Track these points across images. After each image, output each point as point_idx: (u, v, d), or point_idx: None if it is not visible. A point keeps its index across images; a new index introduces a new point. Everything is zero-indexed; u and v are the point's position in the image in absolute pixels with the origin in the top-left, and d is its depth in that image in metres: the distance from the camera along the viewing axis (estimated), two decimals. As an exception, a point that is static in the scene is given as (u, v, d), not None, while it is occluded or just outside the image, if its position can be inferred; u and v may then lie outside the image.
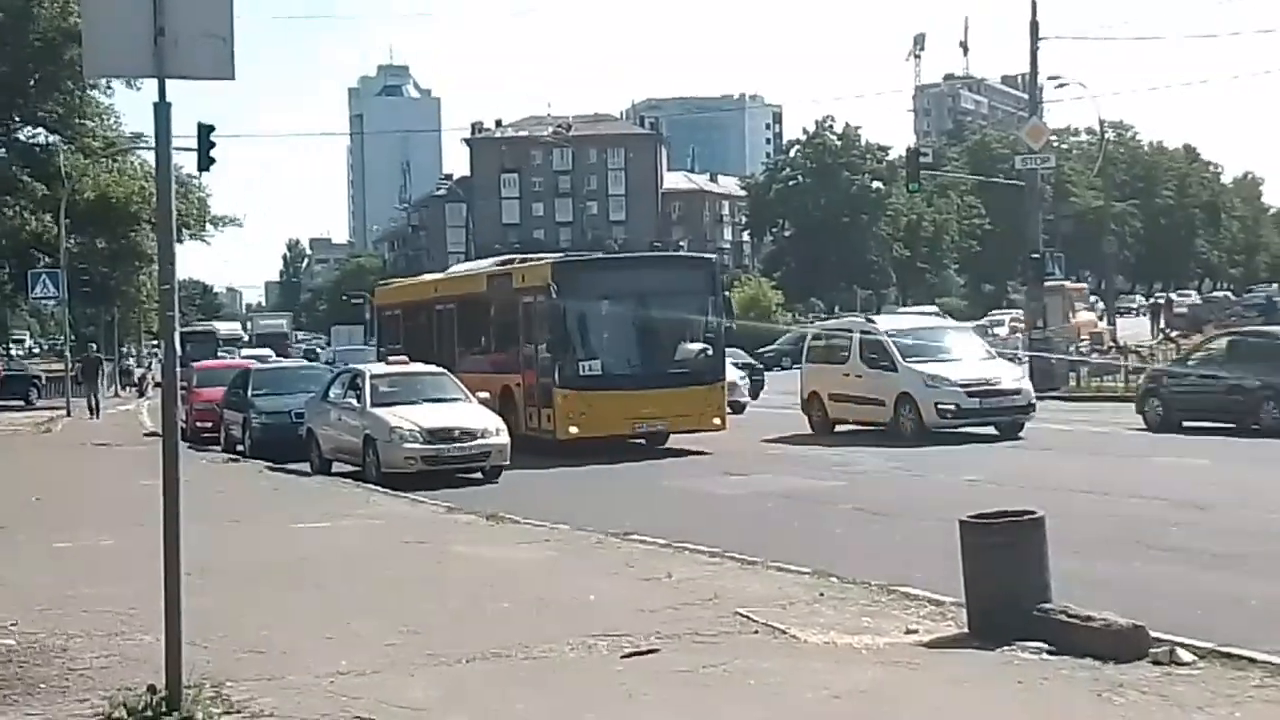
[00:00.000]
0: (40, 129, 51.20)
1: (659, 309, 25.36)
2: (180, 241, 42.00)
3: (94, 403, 42.56)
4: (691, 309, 25.62)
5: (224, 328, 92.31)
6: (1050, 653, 8.77)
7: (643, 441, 25.13)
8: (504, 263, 30.98)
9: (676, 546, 13.71)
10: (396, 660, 9.18)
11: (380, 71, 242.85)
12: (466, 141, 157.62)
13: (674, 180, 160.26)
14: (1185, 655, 8.53)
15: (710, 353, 25.49)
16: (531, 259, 30.14)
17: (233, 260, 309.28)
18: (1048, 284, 69.22)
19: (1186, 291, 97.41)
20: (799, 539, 14.58)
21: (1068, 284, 72.51)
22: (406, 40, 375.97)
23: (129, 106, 58.35)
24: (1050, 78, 50.91)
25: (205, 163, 32.32)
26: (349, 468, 22.96)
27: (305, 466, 23.95)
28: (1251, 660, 8.38)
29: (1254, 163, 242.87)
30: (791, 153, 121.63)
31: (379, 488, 20.30)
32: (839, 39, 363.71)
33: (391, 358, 34.62)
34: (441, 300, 31.59)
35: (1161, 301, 67.84)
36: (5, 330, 54.00)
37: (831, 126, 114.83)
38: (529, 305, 25.96)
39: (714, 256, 28.77)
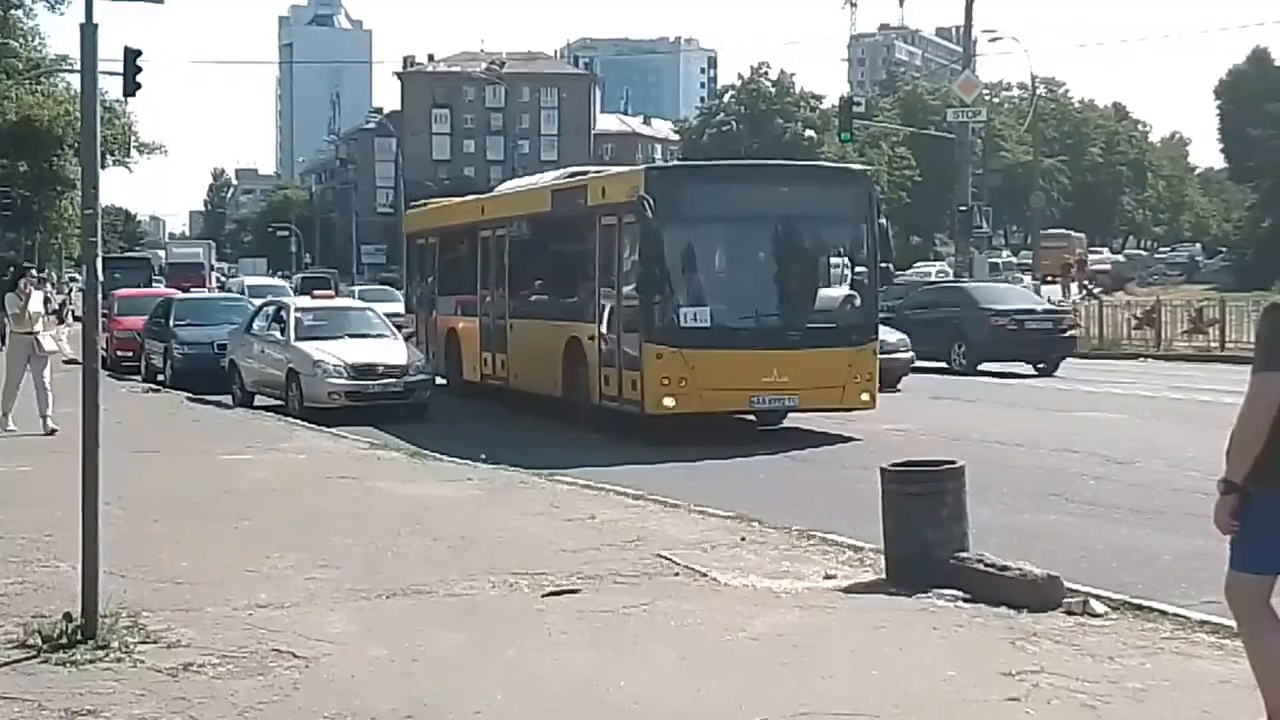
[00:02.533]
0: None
1: (793, 239, 19.06)
2: (104, 167, 41.28)
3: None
4: (837, 241, 19.54)
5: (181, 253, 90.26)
6: (966, 600, 8.90)
7: (752, 417, 19.30)
8: (575, 174, 23.69)
9: (600, 488, 13.77)
10: (316, 594, 9.17)
11: (311, 1, 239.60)
12: (398, 75, 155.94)
13: (607, 122, 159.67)
14: (1098, 606, 8.68)
15: (860, 302, 19.04)
16: (613, 170, 24.10)
17: (157, 188, 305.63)
18: (1052, 231, 73.15)
19: (1098, 249, 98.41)
20: (723, 484, 14.65)
21: (1073, 233, 76.50)
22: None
23: (53, 29, 57.33)
24: (984, 31, 51.31)
25: (131, 87, 31.71)
26: (271, 401, 22.81)
27: (227, 399, 23.76)
28: (1162, 613, 8.54)
29: (1181, 123, 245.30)
30: (726, 98, 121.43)
31: (301, 422, 20.19)
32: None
33: (316, 291, 34.00)
34: (490, 225, 24.51)
35: (1072, 261, 68.42)
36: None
37: (766, 73, 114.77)
38: (610, 230, 19.14)
39: (869, 170, 20.80)
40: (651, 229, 17.77)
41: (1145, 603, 8.75)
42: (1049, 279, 55.02)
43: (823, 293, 19.42)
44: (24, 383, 18.50)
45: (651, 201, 17.65)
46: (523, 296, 22.74)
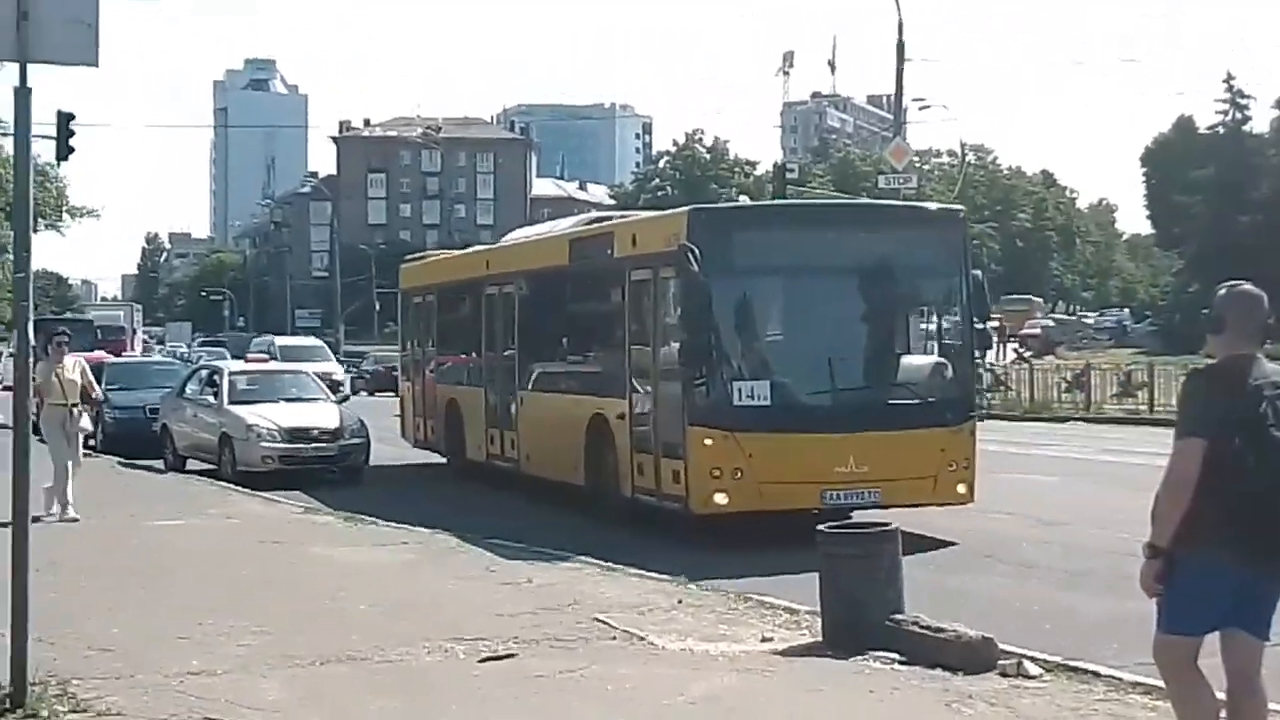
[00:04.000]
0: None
1: (871, 295, 15.41)
2: (36, 231, 40.60)
3: None
4: (925, 296, 15.96)
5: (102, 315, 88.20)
6: (902, 663, 8.92)
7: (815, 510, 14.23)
8: (597, 220, 20.39)
9: (537, 551, 13.70)
10: (249, 661, 9.05)
11: (247, 65, 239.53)
12: (334, 139, 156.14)
13: (543, 187, 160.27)
14: (1032, 668, 8.73)
15: (952, 372, 15.44)
16: (646, 213, 20.71)
17: (90, 252, 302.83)
18: (1014, 296, 76.80)
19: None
20: (660, 544, 14.54)
21: (1033, 298, 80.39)
22: (275, 34, 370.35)
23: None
24: (914, 99, 51.77)
25: (64, 151, 31.32)
26: (204, 466, 22.58)
27: (159, 464, 23.51)
28: (1096, 674, 8.58)
29: (1109, 190, 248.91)
30: (661, 163, 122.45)
31: (235, 486, 19.99)
32: (712, 54, 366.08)
33: (250, 355, 33.43)
34: (496, 280, 21.03)
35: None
36: None
37: (701, 139, 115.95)
38: (642, 286, 15.86)
39: (961, 210, 16.94)
40: (696, 284, 14.24)
41: (1079, 664, 8.79)
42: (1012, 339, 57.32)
43: (907, 361, 15.70)
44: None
45: (696, 251, 14.19)
46: (537, 365, 19.41)
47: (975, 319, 15.74)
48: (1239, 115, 79.69)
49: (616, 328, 16.64)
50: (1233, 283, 6.13)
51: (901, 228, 16.48)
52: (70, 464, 16.12)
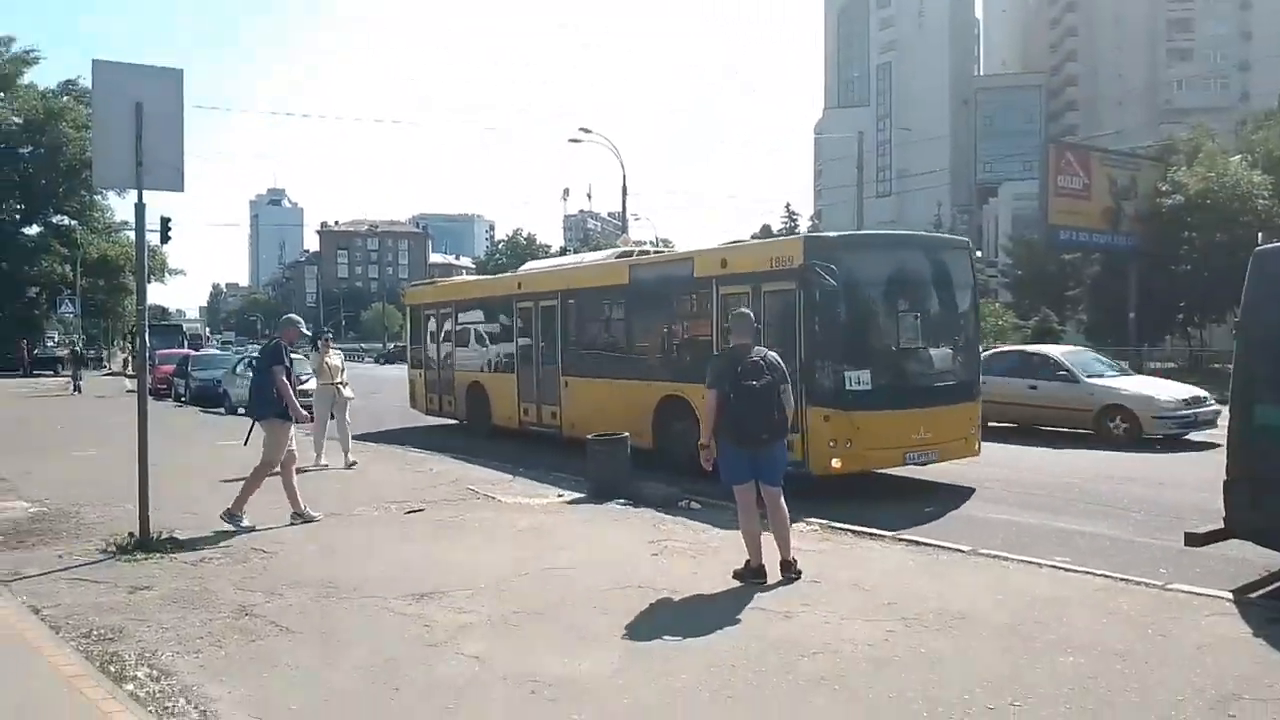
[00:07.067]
0: (64, 215, 45.97)
1: (932, 304, 11.04)
2: (149, 282, 37.81)
3: (77, 381, 31.60)
4: (959, 303, 11.30)
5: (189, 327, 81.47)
6: (630, 505, 9.03)
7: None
8: (625, 254, 14.12)
9: (431, 453, 13.22)
10: (278, 518, 8.49)
11: (268, 190, 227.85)
12: (318, 231, 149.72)
13: (435, 258, 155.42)
14: (695, 505, 8.93)
15: (973, 360, 11.41)
16: (739, 241, 12.88)
17: (180, 294, 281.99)
18: None
19: None
20: (505, 451, 14.07)
21: None
22: (285, 169, 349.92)
23: (119, 204, 52.53)
24: (633, 214, 52.20)
25: (164, 238, 29.80)
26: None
27: (221, 410, 22.09)
28: (727, 506, 8.64)
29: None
30: (499, 246, 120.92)
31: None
32: (528, 184, 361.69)
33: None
34: (532, 296, 14.47)
35: None
36: (41, 332, 47.56)
37: (521, 233, 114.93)
38: (735, 298, 10.75)
39: (968, 240, 12.44)
40: (820, 295, 9.94)
41: (720, 502, 8.94)
42: None
43: (942, 352, 11.20)
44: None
45: (831, 268, 9.98)
46: (586, 355, 13.31)
47: (978, 321, 11.75)
48: (793, 226, 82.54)
49: (697, 328, 11.58)
50: (740, 310, 6.87)
51: (946, 251, 11.63)
52: (339, 425, 12.41)
